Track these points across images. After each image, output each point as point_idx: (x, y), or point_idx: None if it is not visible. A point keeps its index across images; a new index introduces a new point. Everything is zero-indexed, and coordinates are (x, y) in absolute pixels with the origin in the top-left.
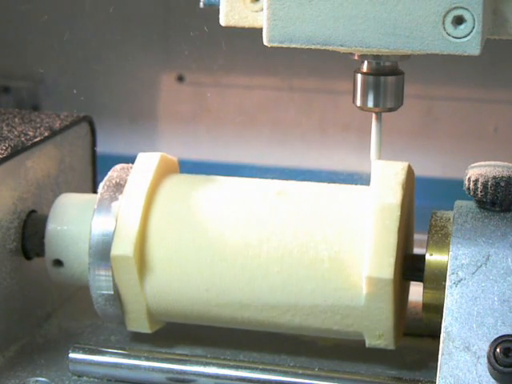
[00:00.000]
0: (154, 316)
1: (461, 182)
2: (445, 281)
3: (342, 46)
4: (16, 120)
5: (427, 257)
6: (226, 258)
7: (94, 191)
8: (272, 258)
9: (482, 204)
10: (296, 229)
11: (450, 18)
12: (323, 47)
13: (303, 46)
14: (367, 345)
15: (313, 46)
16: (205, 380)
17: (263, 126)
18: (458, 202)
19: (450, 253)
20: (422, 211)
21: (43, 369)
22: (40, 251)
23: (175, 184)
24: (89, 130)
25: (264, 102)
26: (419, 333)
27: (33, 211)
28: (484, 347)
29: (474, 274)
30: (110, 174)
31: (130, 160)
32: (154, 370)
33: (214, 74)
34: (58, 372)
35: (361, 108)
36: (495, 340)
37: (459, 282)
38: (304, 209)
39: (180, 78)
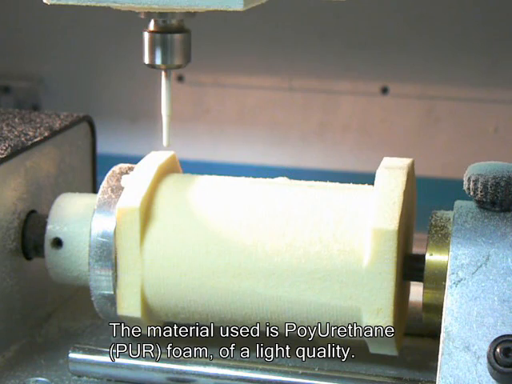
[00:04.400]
0: (147, 294)
1: (461, 182)
2: (445, 281)
3: (114, 3)
4: (16, 120)
5: (427, 257)
6: (228, 223)
7: (94, 191)
8: (277, 222)
9: (481, 204)
10: (301, 199)
11: None
12: (97, 4)
13: (80, 3)
14: (365, 324)
15: (88, 3)
16: (205, 380)
17: (263, 125)
18: (457, 202)
19: (450, 253)
20: (422, 211)
21: (43, 369)
22: (40, 251)
23: (178, 179)
24: (89, 130)
25: (264, 102)
26: (419, 333)
27: (33, 211)
28: (484, 347)
29: (474, 274)
30: (110, 173)
31: (130, 160)
32: (154, 369)
33: (214, 73)
34: (58, 372)
35: (150, 65)
36: (495, 340)
37: (459, 282)
38: (307, 188)
39: (180, 78)
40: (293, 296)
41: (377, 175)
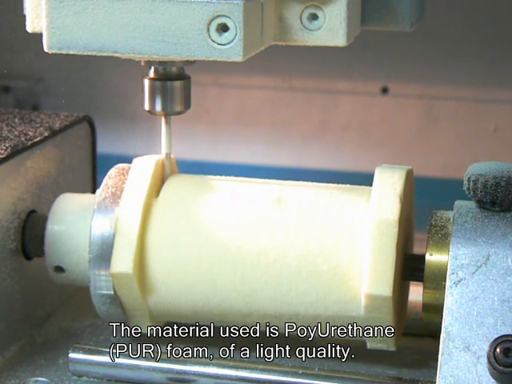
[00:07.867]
0: (157, 319)
1: (461, 182)
2: (445, 281)
3: (115, 52)
4: (16, 120)
5: (427, 257)
6: (225, 271)
7: (94, 191)
8: (271, 271)
9: (482, 204)
10: (294, 241)
11: (214, 26)
12: (99, 54)
13: (80, 53)
14: (369, 347)
15: (89, 53)
16: (205, 380)
17: (263, 125)
18: (457, 202)
19: (450, 253)
20: (422, 211)
21: (43, 369)
22: (40, 251)
23: (172, 191)
24: (89, 129)
25: (264, 102)
26: (419, 333)
27: (33, 211)
28: (484, 347)
29: (474, 273)
30: (109, 174)
31: (130, 160)
32: (154, 369)
33: (214, 73)
34: (58, 372)
35: (150, 112)
36: (495, 340)
37: (459, 282)
38: (302, 220)
39: None
40: (294, 333)
41: (369, 219)
